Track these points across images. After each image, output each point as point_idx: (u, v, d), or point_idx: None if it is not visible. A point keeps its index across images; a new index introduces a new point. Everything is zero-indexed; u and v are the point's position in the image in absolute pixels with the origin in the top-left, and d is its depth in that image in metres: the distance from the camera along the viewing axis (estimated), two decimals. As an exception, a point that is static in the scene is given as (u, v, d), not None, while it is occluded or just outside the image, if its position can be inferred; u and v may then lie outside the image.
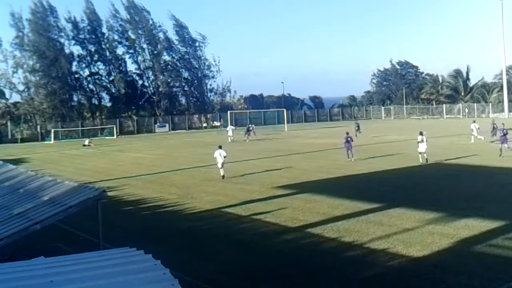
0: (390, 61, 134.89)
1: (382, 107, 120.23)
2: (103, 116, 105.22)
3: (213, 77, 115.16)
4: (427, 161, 33.76)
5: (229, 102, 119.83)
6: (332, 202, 23.04)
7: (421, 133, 34.68)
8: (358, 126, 58.02)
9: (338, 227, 18.57)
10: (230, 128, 64.79)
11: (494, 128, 44.42)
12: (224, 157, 32.18)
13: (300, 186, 27.58)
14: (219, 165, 32.10)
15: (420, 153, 34.58)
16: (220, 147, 33.12)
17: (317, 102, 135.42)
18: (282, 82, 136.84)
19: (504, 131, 36.82)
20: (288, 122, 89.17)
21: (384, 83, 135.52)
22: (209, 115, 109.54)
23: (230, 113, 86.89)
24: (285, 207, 22.31)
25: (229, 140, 59.90)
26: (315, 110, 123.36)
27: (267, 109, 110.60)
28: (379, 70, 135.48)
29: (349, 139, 38.28)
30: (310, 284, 13.53)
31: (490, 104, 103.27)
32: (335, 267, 14.65)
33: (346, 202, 22.83)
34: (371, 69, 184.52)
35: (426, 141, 34.31)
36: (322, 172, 32.64)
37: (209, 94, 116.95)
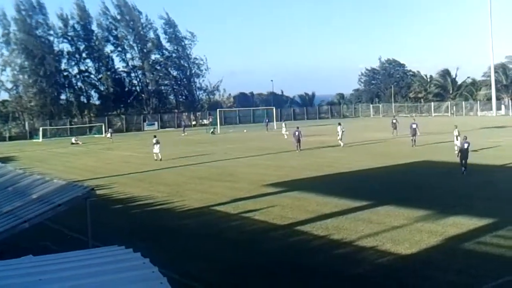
0: (379, 59, 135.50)
1: (371, 105, 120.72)
2: (91, 114, 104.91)
3: (202, 75, 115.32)
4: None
5: (218, 100, 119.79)
6: (321, 200, 23.05)
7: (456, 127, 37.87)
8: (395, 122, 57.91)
9: (327, 225, 18.59)
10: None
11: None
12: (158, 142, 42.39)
13: (289, 184, 27.60)
14: (156, 150, 42.07)
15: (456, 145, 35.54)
16: (155, 136, 44.14)
17: (306, 100, 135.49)
18: (271, 80, 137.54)
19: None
20: (277, 120, 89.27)
21: (373, 81, 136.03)
22: (198, 113, 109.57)
23: (219, 111, 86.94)
24: (274, 205, 22.31)
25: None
26: (304, 108, 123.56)
27: (256, 107, 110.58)
28: (367, 69, 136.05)
29: (297, 132, 43.82)
30: (299, 282, 13.52)
31: (478, 102, 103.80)
32: (324, 264, 14.65)
33: (335, 199, 22.85)
34: (359, 67, 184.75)
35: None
36: (311, 169, 32.68)
37: (198, 93, 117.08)
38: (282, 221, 19.64)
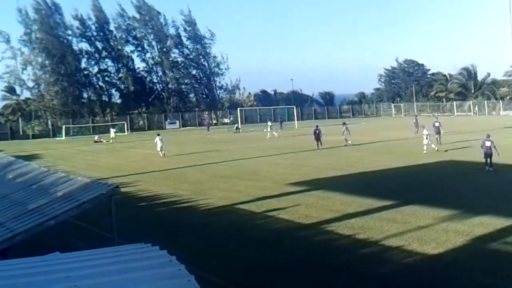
0: (396, 60, 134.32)
1: (392, 104, 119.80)
2: (113, 113, 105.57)
3: (222, 74, 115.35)
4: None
5: (238, 99, 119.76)
6: (345, 199, 22.87)
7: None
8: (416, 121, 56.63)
9: (352, 224, 18.44)
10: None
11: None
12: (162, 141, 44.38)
13: (312, 183, 27.43)
14: (158, 149, 43.96)
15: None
16: (158, 134, 46.16)
17: (327, 99, 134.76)
18: (291, 79, 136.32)
19: None
20: (298, 119, 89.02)
21: (393, 81, 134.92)
22: (218, 112, 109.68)
23: (239, 110, 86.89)
24: (298, 204, 22.17)
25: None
26: (325, 107, 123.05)
27: (276, 106, 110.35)
28: (386, 69, 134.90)
29: (317, 131, 44.59)
30: (323, 281, 13.42)
31: (501, 101, 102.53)
32: (349, 264, 14.52)
33: (359, 199, 22.65)
34: (378, 67, 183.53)
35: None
36: (333, 169, 32.46)
37: (218, 92, 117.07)
38: (307, 220, 19.51)
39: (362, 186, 25.83)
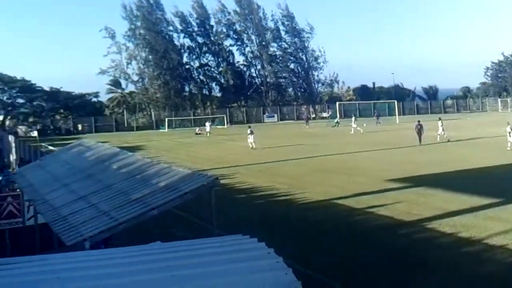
0: (502, 54, 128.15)
1: (499, 99, 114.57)
2: (213, 106, 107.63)
3: (320, 68, 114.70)
4: None
5: (337, 93, 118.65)
6: (447, 197, 22.15)
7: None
8: None
9: (454, 222, 17.82)
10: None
11: None
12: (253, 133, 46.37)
13: (412, 180, 26.74)
14: (250, 140, 45.79)
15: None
16: (250, 127, 48.89)
17: (430, 93, 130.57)
18: (393, 73, 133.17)
19: None
20: (399, 114, 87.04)
21: (499, 75, 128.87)
22: (317, 106, 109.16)
23: (338, 104, 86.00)
24: (398, 201, 21.67)
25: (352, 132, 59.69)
26: (428, 101, 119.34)
27: (376, 101, 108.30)
28: (493, 62, 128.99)
29: (418, 126, 43.74)
30: (425, 279, 13.09)
31: None
32: (450, 262, 14.08)
33: (462, 196, 21.85)
34: (484, 60, 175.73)
35: None
36: (435, 165, 31.45)
37: (316, 85, 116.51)
38: (407, 217, 19.06)
39: (465, 184, 24.84)
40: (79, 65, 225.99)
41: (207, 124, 73.86)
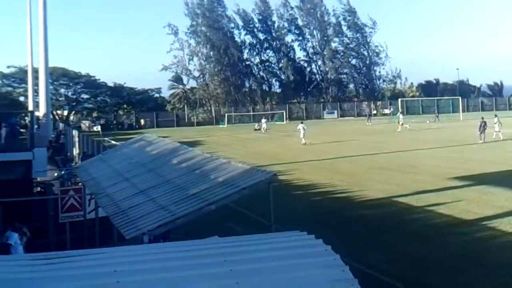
0: None
1: None
2: (273, 102, 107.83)
3: (382, 64, 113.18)
4: None
5: (399, 89, 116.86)
6: (510, 195, 21.55)
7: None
8: None
9: (517, 221, 17.35)
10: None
11: None
12: (304, 129, 47.56)
13: (475, 178, 26.09)
14: (301, 136, 47.10)
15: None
16: (302, 122, 50.54)
17: (495, 89, 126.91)
18: (457, 69, 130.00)
19: None
20: (463, 111, 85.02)
21: None
22: (378, 103, 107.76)
23: (400, 100, 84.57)
24: (459, 199, 21.22)
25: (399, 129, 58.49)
26: (493, 98, 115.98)
27: (440, 97, 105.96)
28: None
29: (482, 123, 43.05)
30: (483, 278, 12.84)
31: None
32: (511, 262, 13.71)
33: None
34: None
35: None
36: (499, 163, 30.57)
37: (378, 81, 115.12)
38: (468, 216, 18.66)
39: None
40: (143, 62, 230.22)
41: (263, 120, 72.55)
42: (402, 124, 58.86)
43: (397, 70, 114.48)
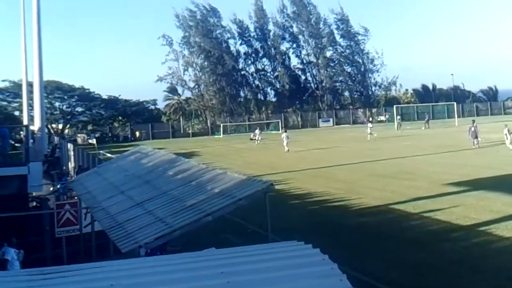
0: None
1: None
2: (268, 111, 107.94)
3: (377, 71, 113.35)
4: None
5: (394, 96, 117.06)
6: (507, 200, 21.62)
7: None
8: None
9: (514, 226, 17.41)
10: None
11: None
12: (288, 138, 49.54)
13: (471, 183, 26.15)
14: (285, 143, 48.99)
15: None
16: (285, 131, 53.56)
17: (490, 95, 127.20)
18: (452, 74, 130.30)
19: None
20: (458, 116, 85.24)
21: None
22: (373, 110, 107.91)
23: (395, 107, 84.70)
24: (456, 205, 21.29)
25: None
26: (487, 103, 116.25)
27: (435, 103, 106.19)
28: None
29: (472, 128, 43.14)
30: (481, 284, 12.87)
31: None
32: (509, 267, 13.72)
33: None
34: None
35: None
36: (494, 168, 30.65)
37: (373, 88, 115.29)
38: (465, 222, 18.73)
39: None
40: (138, 73, 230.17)
41: (257, 131, 69.33)
42: (371, 133, 58.83)
43: (394, 78, 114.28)
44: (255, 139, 70.00)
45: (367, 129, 60.39)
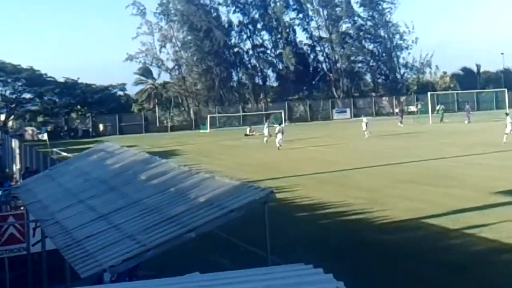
0: None
1: None
2: (268, 99, 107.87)
3: (406, 48, 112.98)
4: None
5: (429, 80, 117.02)
6: None
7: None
8: None
9: None
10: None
11: None
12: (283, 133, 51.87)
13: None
14: (278, 139, 50.94)
15: None
16: (280, 124, 56.50)
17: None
18: (502, 53, 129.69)
19: None
20: (510, 107, 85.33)
21: None
22: (402, 98, 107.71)
23: (430, 94, 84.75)
24: (507, 220, 21.30)
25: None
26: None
27: (480, 90, 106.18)
28: None
29: None
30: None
31: None
32: None
33: None
34: None
35: None
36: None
37: (402, 71, 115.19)
38: (518, 241, 18.74)
39: None
40: (102, 51, 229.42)
41: (265, 125, 65.79)
42: (365, 130, 59.45)
43: (427, 56, 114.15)
44: (252, 134, 70.21)
45: (362, 124, 60.77)
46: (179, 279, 7.51)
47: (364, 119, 62.66)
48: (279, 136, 51.10)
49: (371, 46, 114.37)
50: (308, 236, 21.18)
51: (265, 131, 61.82)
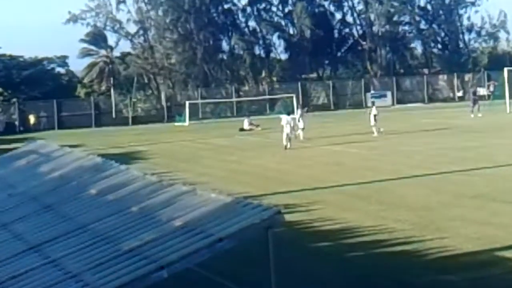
0: None
1: None
2: (273, 78, 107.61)
3: (473, 3, 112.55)
4: None
5: (505, 50, 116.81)
6: None
7: None
8: None
9: None
10: None
11: None
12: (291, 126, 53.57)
13: None
14: (284, 135, 52.29)
15: None
16: (289, 114, 57.35)
17: None
18: None
19: None
20: None
21: None
22: (467, 76, 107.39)
23: (508, 70, 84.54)
24: None
25: None
26: None
27: None
28: None
29: None
30: None
31: None
32: None
33: None
34: None
35: None
36: None
37: (466, 37, 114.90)
38: None
39: None
40: (32, 10, 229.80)
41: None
42: (374, 125, 60.25)
43: (501, 16, 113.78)
44: (250, 129, 70.18)
45: (371, 117, 61.43)
46: None
47: (374, 110, 62.95)
48: (289, 129, 52.15)
49: (422, 2, 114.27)
50: (331, 277, 21.17)
51: (301, 124, 59.55)
